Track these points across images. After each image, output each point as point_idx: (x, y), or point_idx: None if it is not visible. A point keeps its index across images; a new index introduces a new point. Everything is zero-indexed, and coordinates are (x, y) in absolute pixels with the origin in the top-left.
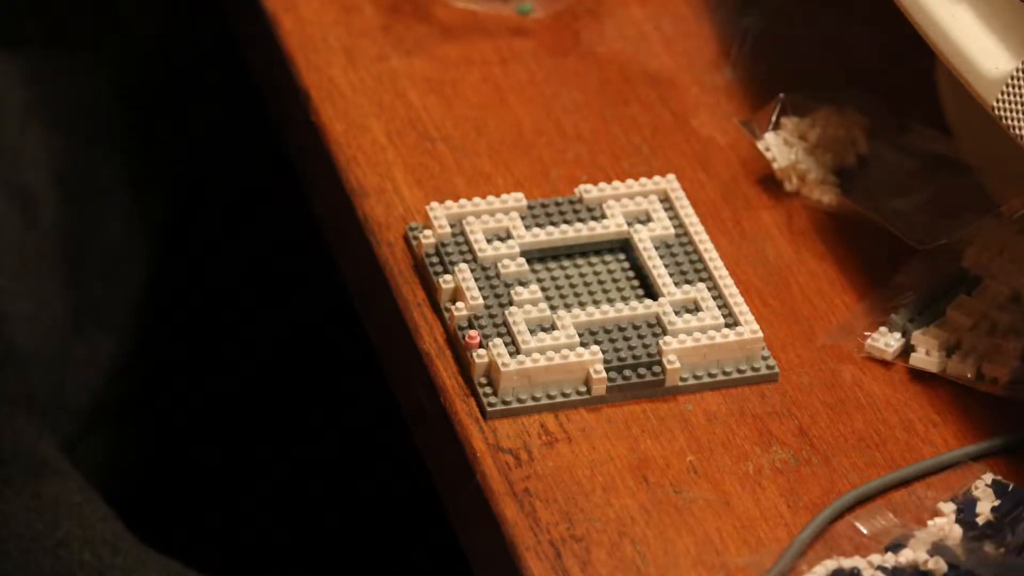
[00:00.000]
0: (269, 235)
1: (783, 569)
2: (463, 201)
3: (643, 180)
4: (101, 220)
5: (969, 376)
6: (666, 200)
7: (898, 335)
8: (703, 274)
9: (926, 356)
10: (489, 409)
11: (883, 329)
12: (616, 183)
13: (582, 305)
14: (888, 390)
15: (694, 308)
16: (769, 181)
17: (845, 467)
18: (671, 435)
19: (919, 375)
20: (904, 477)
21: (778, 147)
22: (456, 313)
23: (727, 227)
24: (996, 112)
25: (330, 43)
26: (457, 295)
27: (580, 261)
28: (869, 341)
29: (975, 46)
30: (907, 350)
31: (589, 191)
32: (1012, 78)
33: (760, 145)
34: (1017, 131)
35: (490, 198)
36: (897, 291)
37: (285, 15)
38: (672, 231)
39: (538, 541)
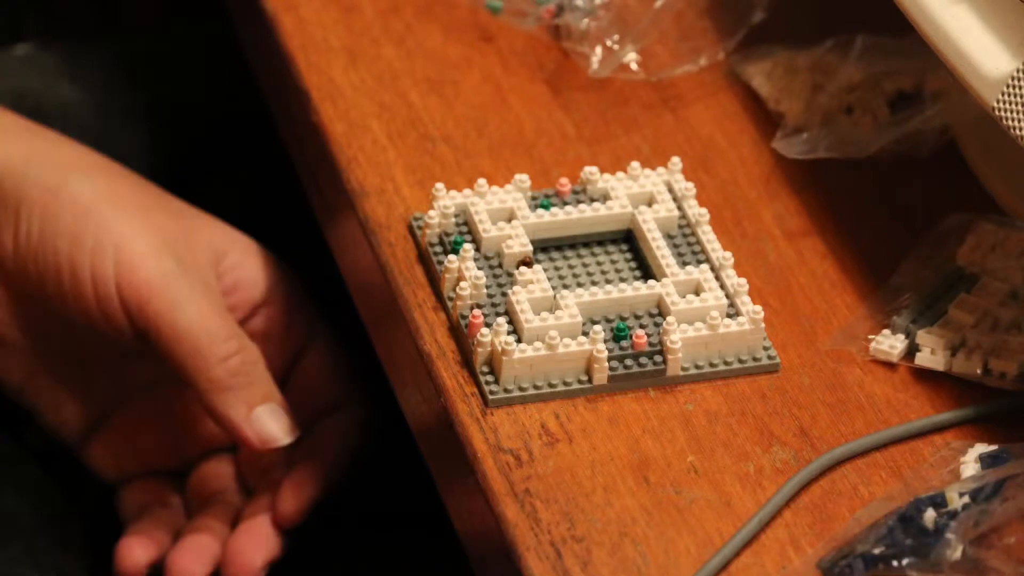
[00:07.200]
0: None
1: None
2: (467, 192)
3: (647, 171)
4: None
5: (977, 372)
6: (670, 189)
7: (902, 336)
8: (701, 256)
9: (931, 355)
10: (491, 397)
11: (886, 332)
12: (620, 174)
13: (584, 290)
14: (889, 390)
15: (696, 291)
16: (769, 182)
17: (845, 467)
18: (672, 435)
19: (919, 376)
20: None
21: None
22: (459, 303)
23: (728, 227)
24: (996, 113)
25: (331, 43)
26: (460, 281)
27: (583, 251)
28: (873, 345)
29: (975, 46)
30: (911, 351)
31: (594, 176)
32: (1012, 79)
33: None
34: (1017, 132)
35: (494, 188)
36: (895, 293)
37: (286, 15)
38: (675, 214)
39: (539, 541)
